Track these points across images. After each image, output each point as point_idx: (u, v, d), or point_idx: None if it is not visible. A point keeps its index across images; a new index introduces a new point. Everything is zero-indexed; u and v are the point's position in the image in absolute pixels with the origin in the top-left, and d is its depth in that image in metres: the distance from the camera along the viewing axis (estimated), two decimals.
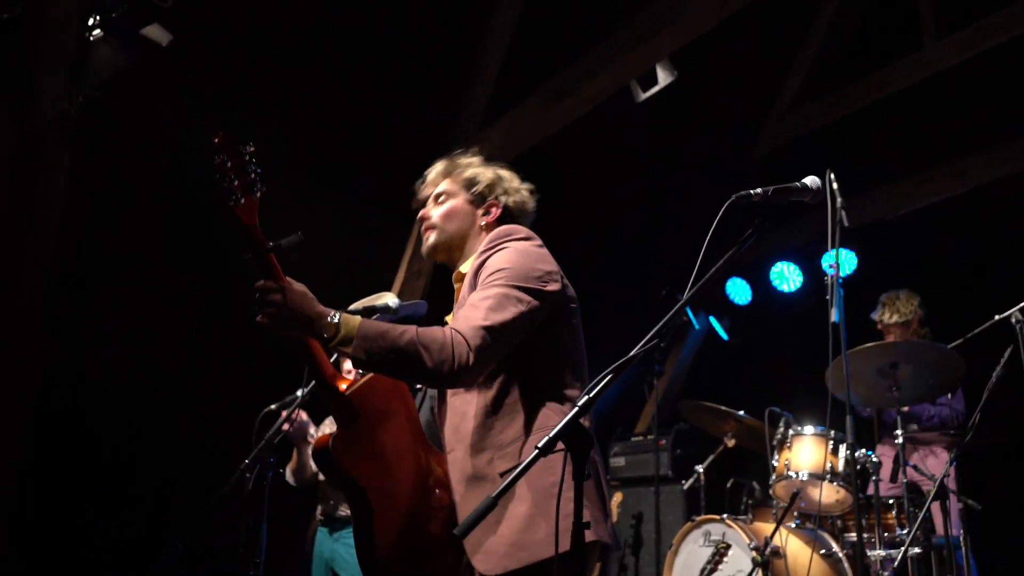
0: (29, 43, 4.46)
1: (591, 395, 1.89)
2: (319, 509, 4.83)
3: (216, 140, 2.31)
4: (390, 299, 3.71)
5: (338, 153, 6.20)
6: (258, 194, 2.32)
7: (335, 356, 2.68)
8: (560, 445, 1.86)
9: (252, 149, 2.33)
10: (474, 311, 2.32)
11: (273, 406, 4.36)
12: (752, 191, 2.10)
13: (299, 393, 3.98)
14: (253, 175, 2.32)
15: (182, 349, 5.59)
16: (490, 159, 2.89)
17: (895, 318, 5.69)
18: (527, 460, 1.84)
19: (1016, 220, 6.48)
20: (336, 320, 2.23)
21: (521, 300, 2.36)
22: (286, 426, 4.26)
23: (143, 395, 5.46)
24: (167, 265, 5.56)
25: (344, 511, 4.66)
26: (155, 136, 5.51)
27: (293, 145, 5.86)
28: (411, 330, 2.24)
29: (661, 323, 2.01)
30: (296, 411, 4.05)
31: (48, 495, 5.27)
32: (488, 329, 2.28)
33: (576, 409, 1.87)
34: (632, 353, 1.93)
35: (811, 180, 2.15)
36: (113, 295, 5.45)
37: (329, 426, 4.89)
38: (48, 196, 4.68)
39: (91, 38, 4.55)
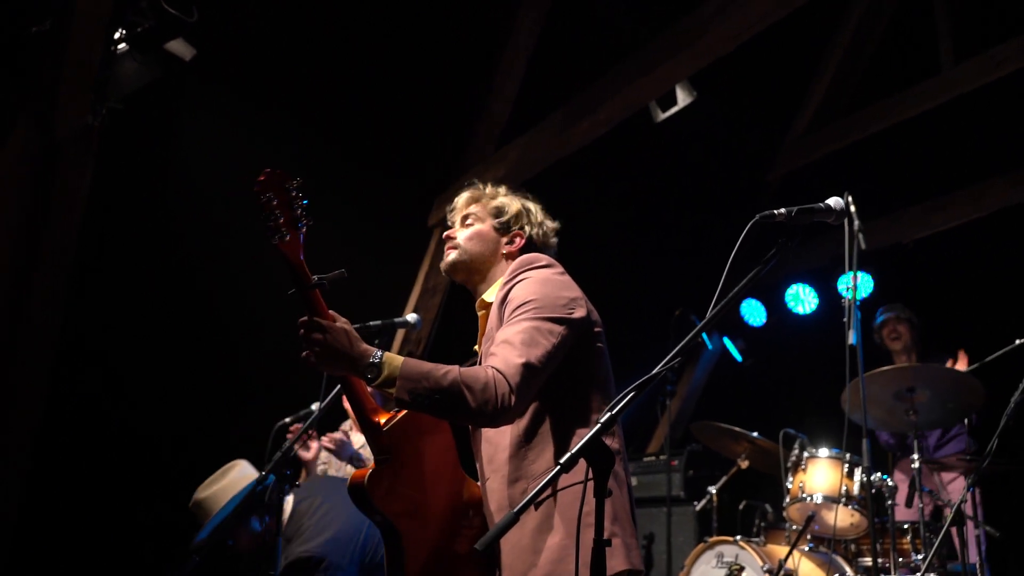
0: (55, 56, 4.51)
1: (613, 412, 1.90)
2: None
3: (262, 178, 2.29)
4: None
5: (357, 170, 6.24)
6: (304, 228, 2.31)
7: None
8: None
9: (298, 183, 2.32)
10: (509, 348, 2.32)
11: (288, 419, 4.39)
12: (776, 211, 2.11)
13: (314, 407, 3.99)
14: (299, 210, 2.31)
15: (198, 360, 5.62)
16: (506, 180, 2.94)
17: (906, 312, 5.82)
18: (548, 476, 1.86)
19: None
20: (379, 360, 2.23)
21: (553, 332, 2.38)
22: (323, 440, 4.28)
23: (158, 406, 5.49)
24: (186, 276, 5.60)
25: None
26: (177, 150, 5.56)
27: (312, 161, 5.90)
28: (454, 370, 2.25)
29: (684, 341, 2.01)
30: (313, 430, 4.07)
31: (60, 506, 5.29)
32: (526, 366, 2.29)
33: (597, 427, 1.87)
34: (655, 371, 1.94)
35: (834, 201, 2.16)
36: (131, 305, 5.49)
37: (349, 429, 4.90)
38: (70, 207, 4.72)
39: (116, 52, 4.59)
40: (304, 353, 2.25)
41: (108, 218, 5.22)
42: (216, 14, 4.78)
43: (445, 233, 2.83)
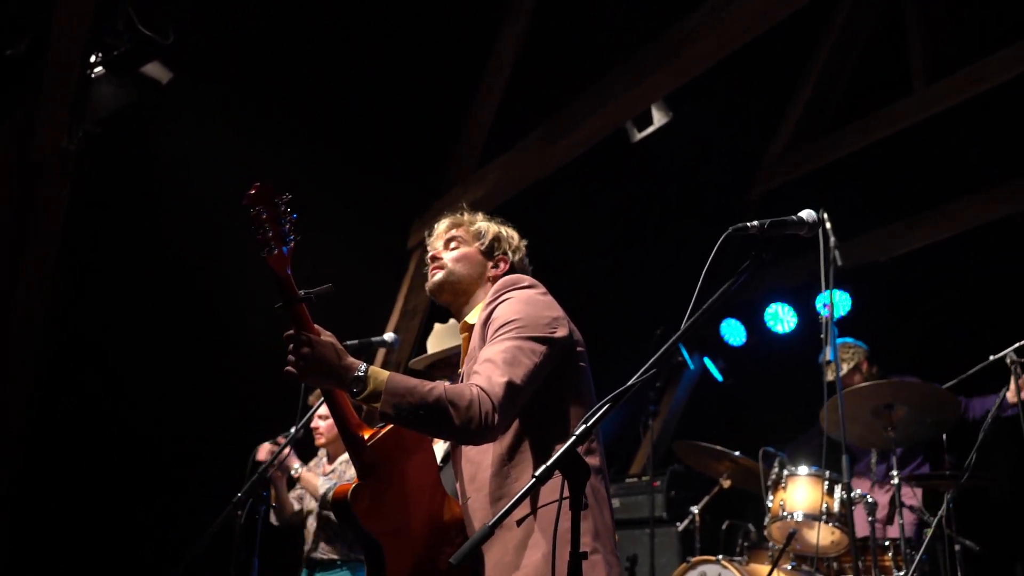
0: (31, 79, 4.51)
1: (588, 424, 1.90)
2: (304, 551, 4.80)
3: (252, 191, 2.29)
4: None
5: (335, 191, 6.23)
6: (292, 243, 2.32)
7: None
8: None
9: (288, 198, 2.33)
10: (492, 367, 2.33)
11: (266, 443, 4.37)
12: (749, 223, 2.12)
13: (292, 430, 3.99)
14: (288, 225, 2.31)
15: (177, 382, 5.59)
16: (486, 200, 2.96)
17: (845, 367, 5.56)
18: (523, 489, 1.85)
19: (1008, 262, 6.52)
20: (364, 374, 2.23)
21: (535, 351, 2.39)
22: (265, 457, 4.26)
23: (155, 406, 5.46)
24: (183, 277, 5.61)
25: (322, 554, 4.65)
26: (153, 173, 5.55)
27: (288, 184, 5.89)
28: (439, 387, 2.25)
29: (659, 353, 2.02)
30: (288, 447, 4.05)
31: (39, 526, 5.24)
32: (509, 384, 2.29)
33: (572, 439, 1.88)
34: (630, 383, 1.94)
35: (807, 213, 2.18)
36: (128, 306, 5.49)
37: (315, 465, 4.89)
38: (47, 229, 4.72)
39: (92, 75, 4.59)
40: (287, 368, 2.24)
41: (103, 219, 5.22)
42: (199, 26, 4.80)
43: (430, 254, 2.82)
